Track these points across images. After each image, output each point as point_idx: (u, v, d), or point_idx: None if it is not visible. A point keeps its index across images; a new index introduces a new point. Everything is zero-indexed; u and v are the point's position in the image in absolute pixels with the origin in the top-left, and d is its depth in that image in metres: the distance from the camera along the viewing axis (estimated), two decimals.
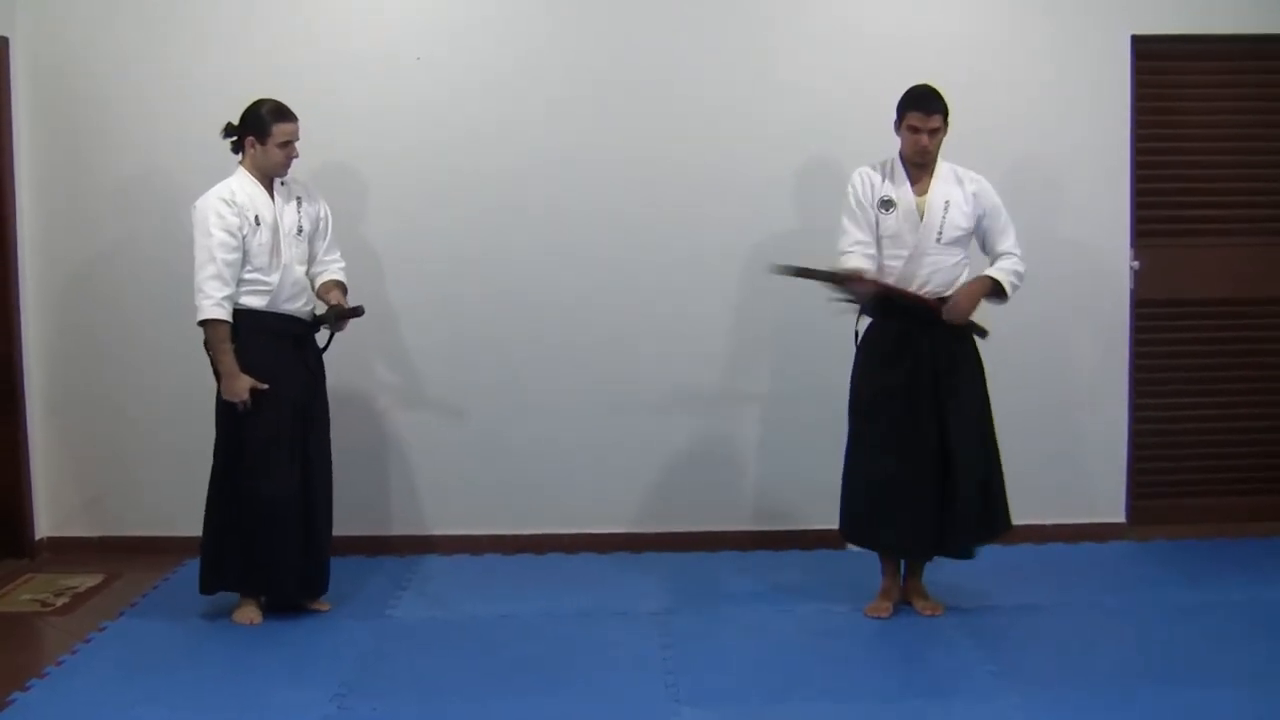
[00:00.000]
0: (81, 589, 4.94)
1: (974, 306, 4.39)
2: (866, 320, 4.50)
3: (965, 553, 4.52)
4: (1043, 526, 5.40)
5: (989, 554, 5.17)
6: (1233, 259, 5.50)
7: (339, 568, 4.75)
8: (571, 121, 5.25)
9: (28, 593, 4.93)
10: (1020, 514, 5.33)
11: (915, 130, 4.34)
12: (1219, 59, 5.41)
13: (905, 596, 4.59)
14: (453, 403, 5.34)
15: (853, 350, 4.53)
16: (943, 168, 4.43)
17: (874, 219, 4.39)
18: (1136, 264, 5.40)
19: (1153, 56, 5.34)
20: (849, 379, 4.53)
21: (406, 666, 4.15)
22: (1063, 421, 5.41)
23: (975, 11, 5.27)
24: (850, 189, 4.43)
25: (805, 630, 4.44)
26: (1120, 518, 5.46)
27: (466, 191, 5.26)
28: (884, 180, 4.42)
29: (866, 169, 4.45)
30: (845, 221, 4.41)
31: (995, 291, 4.39)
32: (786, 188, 5.23)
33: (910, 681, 4.00)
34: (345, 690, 3.93)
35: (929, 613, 4.51)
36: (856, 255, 4.35)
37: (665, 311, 5.32)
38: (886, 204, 4.39)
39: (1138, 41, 5.28)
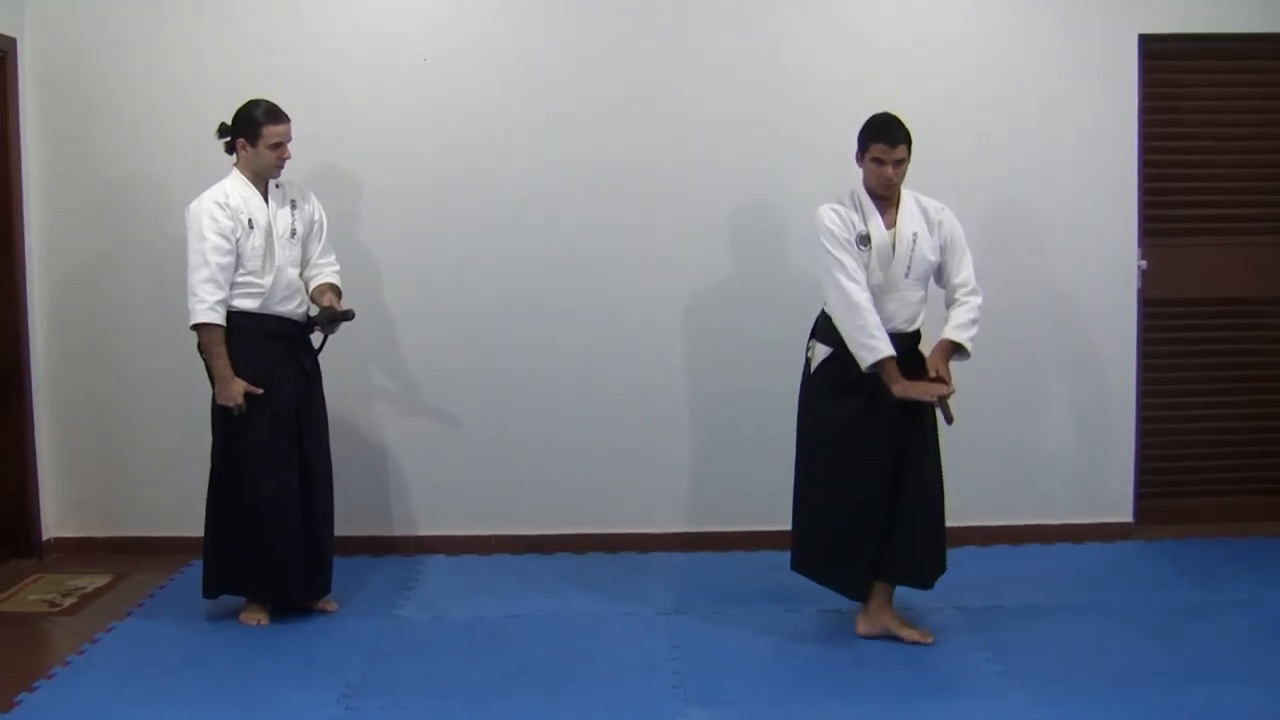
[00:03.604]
0: (89, 589, 4.95)
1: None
2: (823, 349, 4.26)
3: (924, 584, 4.31)
4: (1049, 526, 5.40)
5: (996, 555, 5.19)
6: (1240, 258, 5.49)
7: (345, 568, 4.75)
8: (573, 127, 5.23)
9: (35, 593, 4.94)
10: (1027, 514, 5.40)
11: (880, 162, 4.13)
12: (1227, 58, 5.39)
13: (886, 631, 4.30)
14: (458, 403, 5.34)
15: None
16: (906, 199, 4.24)
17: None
18: (1144, 264, 5.39)
19: (1160, 56, 5.32)
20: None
21: (413, 667, 4.16)
22: (1070, 421, 5.40)
23: (982, 10, 5.25)
24: (829, 227, 4.15)
25: (813, 630, 4.44)
26: (1128, 517, 5.45)
27: (464, 196, 5.24)
28: (857, 215, 4.20)
29: (835, 205, 4.20)
30: (842, 258, 4.11)
31: (957, 349, 4.23)
32: (794, 195, 5.19)
33: (917, 681, 3.99)
34: (352, 691, 3.94)
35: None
36: (876, 327, 4.07)
37: (671, 315, 5.31)
38: (864, 240, 4.19)
39: (1145, 40, 5.26)
